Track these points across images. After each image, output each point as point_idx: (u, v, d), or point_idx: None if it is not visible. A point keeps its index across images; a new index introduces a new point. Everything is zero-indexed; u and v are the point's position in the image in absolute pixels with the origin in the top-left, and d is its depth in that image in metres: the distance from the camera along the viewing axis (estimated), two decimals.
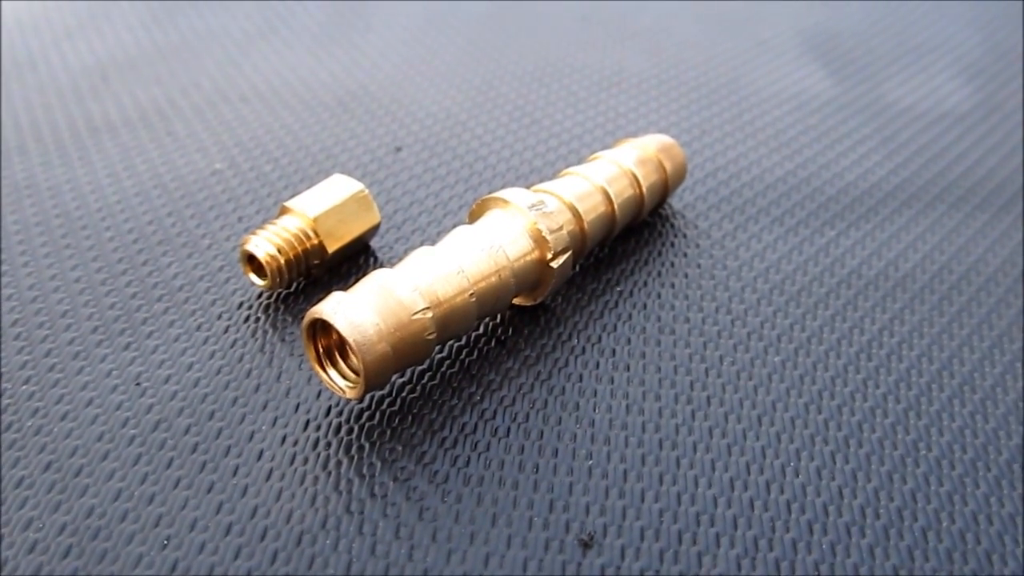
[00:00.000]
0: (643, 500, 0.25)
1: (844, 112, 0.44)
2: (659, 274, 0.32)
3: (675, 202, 0.36)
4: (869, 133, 0.42)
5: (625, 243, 0.34)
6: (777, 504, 0.25)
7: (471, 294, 0.27)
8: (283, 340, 0.29)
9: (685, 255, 0.33)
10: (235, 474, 0.25)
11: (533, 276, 0.29)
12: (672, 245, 0.34)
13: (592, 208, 0.31)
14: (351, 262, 0.33)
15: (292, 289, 0.31)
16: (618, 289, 0.32)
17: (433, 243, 0.30)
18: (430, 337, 0.26)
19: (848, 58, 0.49)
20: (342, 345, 0.26)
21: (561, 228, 0.29)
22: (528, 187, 0.32)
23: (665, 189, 0.34)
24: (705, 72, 0.47)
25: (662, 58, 0.49)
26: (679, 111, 0.43)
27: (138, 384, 0.28)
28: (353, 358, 0.26)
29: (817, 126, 0.42)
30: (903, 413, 0.27)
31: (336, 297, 0.25)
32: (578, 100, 0.44)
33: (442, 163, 0.39)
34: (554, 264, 0.29)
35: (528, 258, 0.28)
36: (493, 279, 0.27)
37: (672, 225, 0.35)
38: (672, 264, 0.33)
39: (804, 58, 0.49)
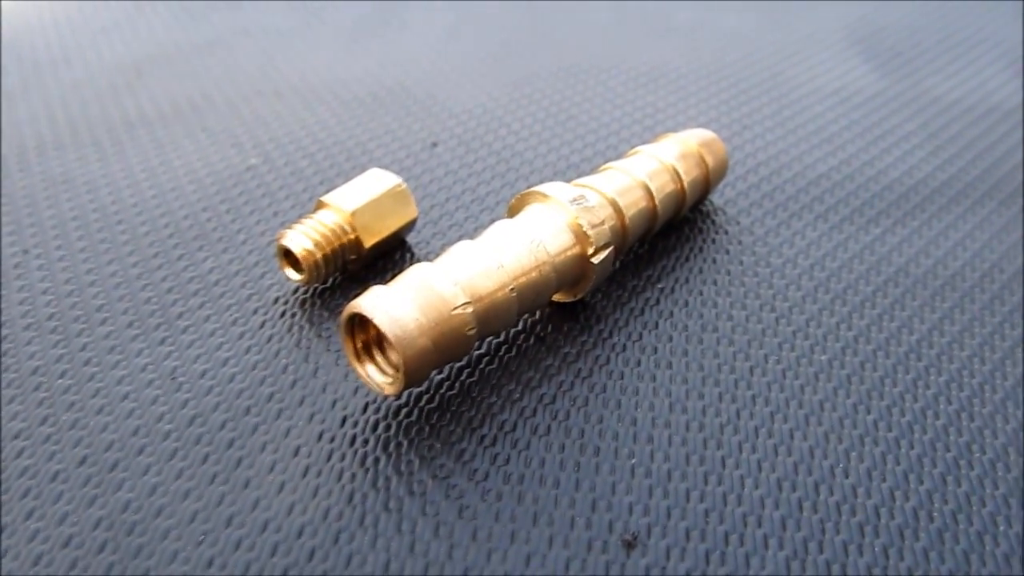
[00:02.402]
0: (688, 500, 0.24)
1: (888, 107, 0.43)
2: (700, 271, 0.32)
3: (716, 198, 0.36)
4: (914, 128, 0.41)
5: (666, 239, 0.33)
6: (827, 506, 0.24)
7: (512, 289, 0.26)
8: (320, 336, 0.29)
9: (727, 251, 0.33)
10: (272, 470, 0.25)
11: (574, 272, 0.28)
12: (713, 241, 0.33)
13: (633, 203, 0.30)
14: (387, 258, 0.32)
15: (328, 284, 0.31)
16: (659, 286, 0.31)
17: (471, 238, 0.29)
18: (470, 332, 0.25)
19: (892, 52, 0.48)
20: (380, 340, 0.26)
21: (603, 223, 0.28)
22: (567, 182, 0.31)
23: (707, 185, 0.33)
24: (745, 67, 0.46)
25: (701, 53, 0.48)
26: (719, 106, 0.43)
27: (174, 379, 0.27)
28: (392, 354, 0.26)
29: (860, 121, 0.42)
30: (955, 415, 0.27)
31: (375, 291, 0.25)
32: (615, 96, 0.44)
33: (478, 159, 0.38)
34: (595, 260, 0.28)
35: (569, 253, 0.28)
36: (534, 274, 0.27)
37: (713, 221, 0.34)
38: (714, 260, 0.32)
39: (846, 53, 0.48)
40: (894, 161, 0.39)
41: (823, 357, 0.28)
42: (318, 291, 0.31)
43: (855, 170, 0.38)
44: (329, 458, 0.25)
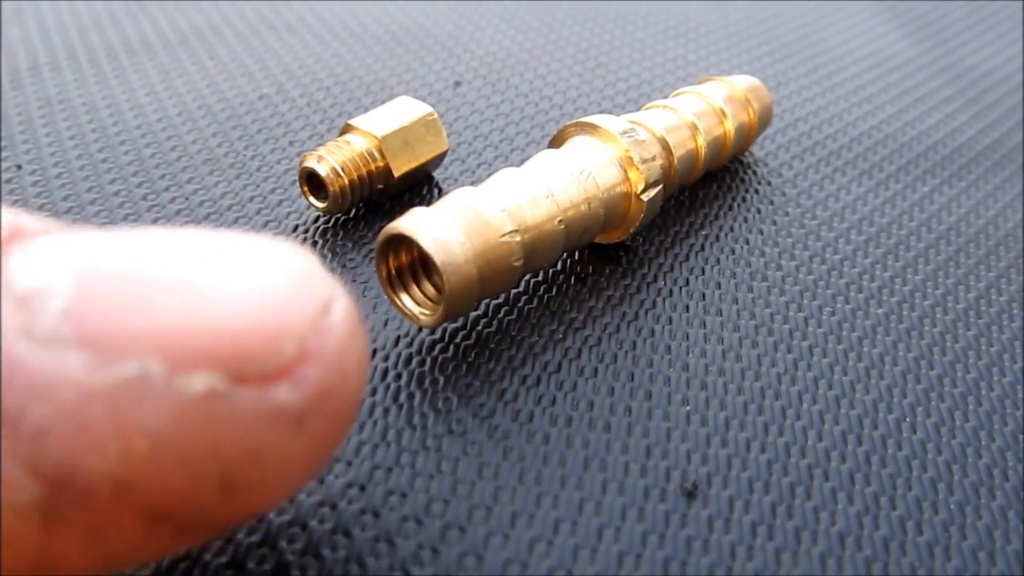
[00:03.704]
0: (749, 450, 0.22)
1: (923, 73, 0.41)
2: (745, 220, 0.30)
3: (756, 150, 0.34)
4: (952, 94, 0.40)
5: (707, 188, 0.31)
6: (896, 460, 0.22)
7: (560, 221, 0.24)
8: (344, 266, 0.27)
9: (771, 202, 0.31)
10: None
11: (621, 209, 0.27)
12: (757, 192, 0.31)
13: (681, 143, 0.29)
14: (414, 192, 0.30)
15: (351, 215, 0.29)
16: (703, 233, 0.29)
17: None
18: (517, 263, 0.23)
19: (923, 21, 0.47)
20: (416, 267, 0.24)
21: (654, 158, 0.27)
22: None
23: (751, 132, 0.32)
24: (774, 27, 0.45)
25: (730, 11, 0.46)
26: (751, 63, 0.41)
27: None
28: (431, 283, 0.24)
29: (897, 84, 0.40)
30: (1022, 372, 0.25)
31: (417, 212, 0.23)
32: (644, 47, 0.42)
33: (505, 99, 0.36)
34: (645, 197, 0.26)
35: (618, 189, 0.26)
36: (583, 207, 0.25)
37: (755, 172, 0.33)
38: (759, 211, 0.31)
39: (876, 19, 0.47)
40: (935, 124, 0.37)
41: (879, 311, 0.27)
42: (340, 221, 0.29)
43: (896, 130, 0.36)
44: None
